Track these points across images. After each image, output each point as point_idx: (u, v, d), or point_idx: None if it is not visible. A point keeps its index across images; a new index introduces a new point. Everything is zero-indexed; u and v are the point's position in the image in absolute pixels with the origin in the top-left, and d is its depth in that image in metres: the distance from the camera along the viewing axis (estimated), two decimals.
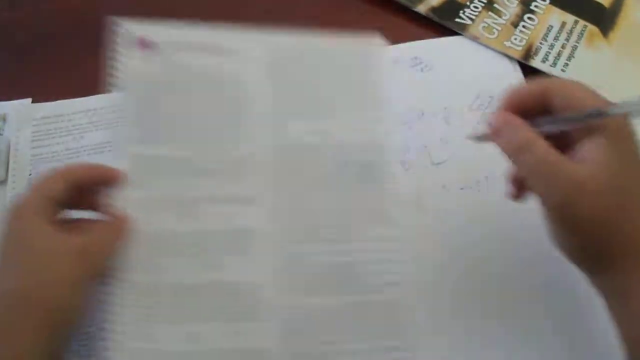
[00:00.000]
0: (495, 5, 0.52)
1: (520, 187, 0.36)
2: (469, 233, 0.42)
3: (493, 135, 0.33)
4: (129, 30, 0.37)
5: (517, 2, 0.52)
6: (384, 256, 0.37)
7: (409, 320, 0.36)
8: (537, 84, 0.33)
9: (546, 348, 0.38)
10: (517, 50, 0.49)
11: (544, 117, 0.32)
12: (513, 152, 0.32)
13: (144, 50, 0.37)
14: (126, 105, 0.37)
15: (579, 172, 0.30)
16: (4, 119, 0.47)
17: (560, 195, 0.30)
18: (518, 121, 0.32)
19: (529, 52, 0.49)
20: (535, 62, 0.48)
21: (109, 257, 0.34)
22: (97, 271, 0.34)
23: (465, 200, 0.43)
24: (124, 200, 0.35)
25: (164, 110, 0.38)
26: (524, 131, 0.31)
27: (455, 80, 0.48)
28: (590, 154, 0.30)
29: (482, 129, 0.35)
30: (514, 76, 0.48)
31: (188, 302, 0.35)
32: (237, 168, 0.37)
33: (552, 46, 0.49)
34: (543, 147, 0.30)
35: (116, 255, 0.34)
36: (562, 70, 0.48)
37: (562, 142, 0.31)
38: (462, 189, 0.43)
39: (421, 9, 0.51)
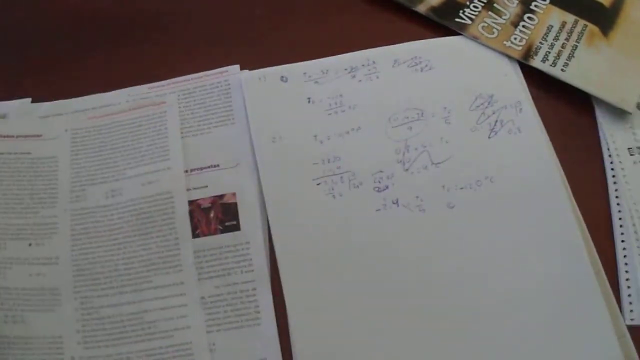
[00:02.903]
0: (495, 4, 0.52)
1: None
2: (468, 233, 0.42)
3: None
4: None
5: (517, 1, 0.52)
6: (172, 302, 0.40)
7: None
8: None
9: None
10: (517, 50, 0.49)
11: None
12: None
13: None
14: None
15: None
16: (4, 119, 0.47)
17: None
18: None
19: (528, 52, 0.49)
20: (535, 62, 0.48)
21: None
22: None
23: (465, 200, 0.43)
24: None
25: None
26: None
27: (455, 80, 0.48)
28: None
29: None
30: (514, 76, 0.48)
31: None
32: (39, 231, 0.43)
33: (552, 46, 0.49)
34: None
35: None
36: (562, 70, 0.48)
37: None
38: (462, 188, 0.43)
39: (421, 8, 0.51)
